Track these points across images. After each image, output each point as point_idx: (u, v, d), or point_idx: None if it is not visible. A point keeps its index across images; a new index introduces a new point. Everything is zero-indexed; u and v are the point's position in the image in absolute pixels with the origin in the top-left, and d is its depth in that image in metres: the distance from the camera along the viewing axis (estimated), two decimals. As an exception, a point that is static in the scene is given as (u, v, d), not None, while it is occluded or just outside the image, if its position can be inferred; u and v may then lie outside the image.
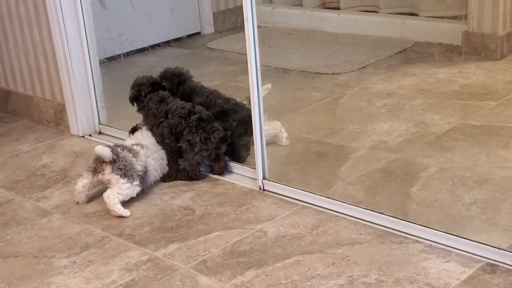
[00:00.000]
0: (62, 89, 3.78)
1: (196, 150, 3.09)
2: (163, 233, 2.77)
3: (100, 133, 3.80)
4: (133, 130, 3.31)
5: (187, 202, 3.01)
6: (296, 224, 2.75)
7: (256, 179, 3.07)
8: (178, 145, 3.13)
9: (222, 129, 3.11)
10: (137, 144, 3.12)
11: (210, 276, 2.47)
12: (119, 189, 2.93)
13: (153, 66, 4.73)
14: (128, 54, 5.03)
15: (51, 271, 2.59)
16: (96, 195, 3.10)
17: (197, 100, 3.28)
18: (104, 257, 2.65)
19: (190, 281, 2.45)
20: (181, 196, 3.06)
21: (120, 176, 2.95)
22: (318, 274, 2.42)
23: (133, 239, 2.75)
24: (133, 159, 3.01)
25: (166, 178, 3.19)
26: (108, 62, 4.79)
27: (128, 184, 2.95)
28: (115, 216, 2.92)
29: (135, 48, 5.07)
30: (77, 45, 3.67)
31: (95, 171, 2.99)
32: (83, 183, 3.03)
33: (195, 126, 3.09)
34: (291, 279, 2.41)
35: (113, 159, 2.95)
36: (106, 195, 2.94)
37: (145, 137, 3.21)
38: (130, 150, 3.04)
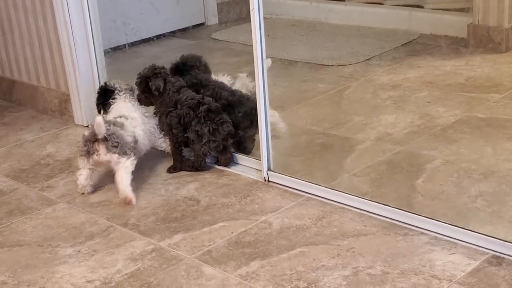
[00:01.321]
0: (67, 79, 3.78)
1: (204, 141, 3.08)
2: (168, 223, 2.77)
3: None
4: (103, 91, 3.27)
5: (192, 192, 3.00)
6: (301, 215, 2.75)
7: (261, 171, 3.06)
8: (185, 135, 3.12)
9: (230, 121, 3.11)
10: (120, 117, 3.11)
11: (215, 267, 2.47)
12: (126, 168, 2.94)
13: (158, 57, 4.72)
14: (133, 44, 5.02)
15: (56, 260, 2.59)
16: (101, 185, 3.11)
17: (202, 91, 3.27)
18: (109, 247, 2.65)
19: (195, 271, 2.45)
20: (186, 186, 3.06)
21: (119, 154, 2.94)
22: (323, 265, 2.42)
23: (138, 229, 2.75)
24: (122, 132, 3.00)
25: (171, 169, 3.19)
26: (113, 52, 4.78)
27: (130, 160, 2.96)
28: (123, 203, 2.92)
29: (140, 38, 5.06)
30: (82, 35, 3.67)
31: (88, 153, 2.96)
32: (84, 176, 3.02)
33: (204, 117, 3.08)
34: (296, 270, 2.41)
35: (104, 137, 2.93)
36: (118, 178, 2.94)
37: (130, 110, 3.18)
38: (114, 123, 3.03)
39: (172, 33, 5.26)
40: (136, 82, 3.19)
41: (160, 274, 2.45)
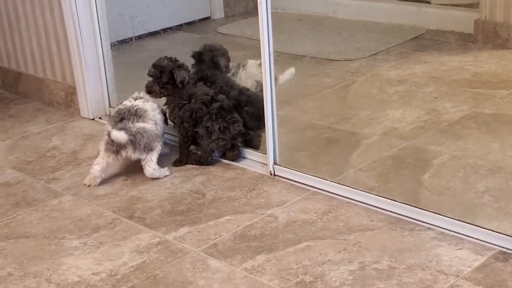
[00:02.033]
0: (73, 71, 3.77)
1: (213, 138, 3.08)
2: (174, 217, 2.77)
3: (110, 116, 3.79)
4: None
5: (197, 186, 3.00)
6: (307, 209, 2.75)
7: (267, 164, 3.06)
8: (195, 130, 3.12)
9: (242, 120, 3.11)
10: (140, 98, 3.12)
11: (221, 260, 2.47)
12: (152, 162, 3.03)
13: (164, 51, 4.70)
14: (139, 37, 5.01)
15: (62, 252, 2.59)
16: (107, 177, 3.11)
17: (207, 87, 3.24)
18: (114, 239, 2.65)
19: (201, 264, 2.45)
20: (192, 180, 3.06)
21: (147, 152, 3.01)
22: (329, 260, 2.42)
23: (143, 221, 2.75)
24: (146, 126, 3.01)
25: (176, 162, 3.18)
26: (120, 45, 4.77)
27: (155, 151, 3.03)
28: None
29: (147, 32, 5.06)
30: (88, 28, 3.66)
31: (118, 152, 3.00)
32: (100, 167, 3.03)
33: (216, 114, 3.08)
34: (302, 264, 2.40)
35: (130, 140, 2.96)
36: (149, 174, 3.05)
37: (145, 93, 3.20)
38: (136, 112, 3.03)
39: (179, 27, 5.25)
40: (152, 73, 3.15)
41: (166, 266, 2.45)
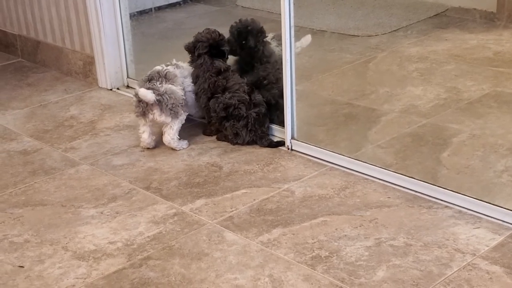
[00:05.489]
0: (92, 41, 3.76)
1: (239, 140, 3.07)
2: (190, 188, 2.77)
3: (128, 86, 3.79)
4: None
5: (214, 158, 3.00)
6: (323, 185, 2.74)
7: (284, 139, 3.05)
8: (225, 123, 3.07)
9: (269, 135, 3.10)
10: (173, 65, 3.13)
11: (237, 232, 2.47)
12: (172, 130, 3.03)
13: (182, 22, 4.70)
14: (159, 8, 4.98)
15: (78, 220, 2.60)
16: (124, 148, 3.11)
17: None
18: (131, 209, 2.65)
19: (216, 236, 2.45)
20: (209, 152, 3.05)
21: (172, 117, 3.01)
22: (345, 235, 2.41)
23: (160, 192, 2.75)
24: (174, 87, 3.02)
25: (205, 132, 3.20)
26: (139, 15, 4.74)
27: (178, 120, 3.04)
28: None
29: (166, 3, 5.01)
30: (108, -3, 3.65)
31: (144, 114, 3.01)
32: (147, 133, 3.06)
33: (252, 124, 3.03)
34: (318, 239, 2.40)
35: (158, 100, 2.96)
36: (166, 141, 3.05)
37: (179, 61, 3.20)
38: (166, 75, 3.04)
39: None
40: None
41: (182, 238, 2.46)
